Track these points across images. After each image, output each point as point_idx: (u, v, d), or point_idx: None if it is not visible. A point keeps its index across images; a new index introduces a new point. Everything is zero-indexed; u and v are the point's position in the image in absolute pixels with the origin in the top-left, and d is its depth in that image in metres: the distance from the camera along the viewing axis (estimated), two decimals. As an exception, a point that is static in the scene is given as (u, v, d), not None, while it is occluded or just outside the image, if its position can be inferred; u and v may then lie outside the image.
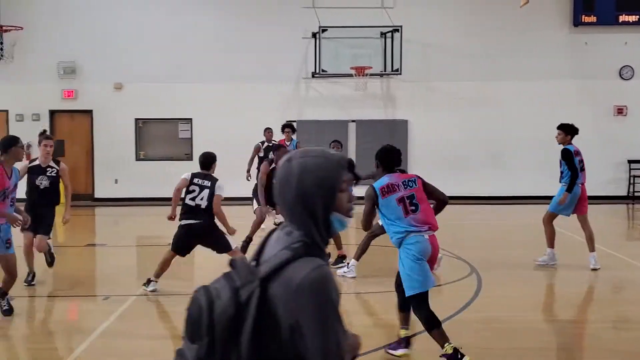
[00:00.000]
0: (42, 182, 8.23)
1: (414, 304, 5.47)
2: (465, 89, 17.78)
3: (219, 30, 17.66)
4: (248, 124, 16.55)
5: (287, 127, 14.17)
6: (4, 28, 12.28)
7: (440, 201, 5.83)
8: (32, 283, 8.39)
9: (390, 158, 5.76)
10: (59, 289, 8.69)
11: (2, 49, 12.36)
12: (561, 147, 9.42)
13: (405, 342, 5.84)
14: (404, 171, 6.00)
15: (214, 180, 7.71)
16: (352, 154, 17.25)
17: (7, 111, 17.91)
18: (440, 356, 5.37)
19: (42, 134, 9.63)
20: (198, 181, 7.66)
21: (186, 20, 17.66)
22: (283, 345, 1.91)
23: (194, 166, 8.22)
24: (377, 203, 5.56)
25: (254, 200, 10.41)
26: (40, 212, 8.08)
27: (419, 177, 5.75)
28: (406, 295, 5.45)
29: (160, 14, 17.69)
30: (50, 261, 8.91)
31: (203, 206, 7.56)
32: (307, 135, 17.36)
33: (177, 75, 17.64)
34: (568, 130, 9.58)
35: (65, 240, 12.86)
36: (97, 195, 18.04)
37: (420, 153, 17.60)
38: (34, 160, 8.46)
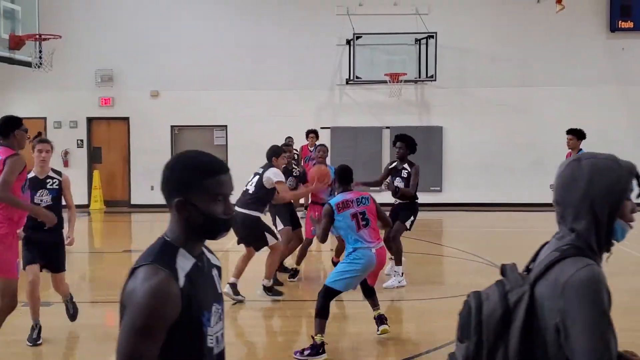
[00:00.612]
0: (43, 197, 6.33)
1: (324, 291, 5.99)
2: (501, 94, 17.65)
3: (253, 37, 17.77)
4: (281, 130, 16.63)
5: (312, 132, 14.23)
6: (43, 37, 12.51)
7: (387, 225, 6.77)
8: (39, 342, 6.38)
9: (346, 176, 6.38)
10: (97, 294, 8.78)
11: (40, 58, 12.61)
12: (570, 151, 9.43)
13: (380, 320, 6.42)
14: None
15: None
16: (385, 161, 17.19)
17: (45, 118, 18.22)
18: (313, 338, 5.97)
19: (37, 136, 7.54)
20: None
21: (222, 28, 17.81)
22: (548, 346, 1.92)
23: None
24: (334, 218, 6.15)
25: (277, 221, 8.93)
26: (44, 239, 6.27)
27: (371, 197, 6.35)
28: (326, 282, 6.05)
29: (196, 22, 17.87)
30: (73, 313, 6.89)
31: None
32: (341, 142, 17.37)
33: (213, 82, 17.78)
34: (579, 136, 9.60)
35: (101, 246, 13.02)
36: (133, 201, 18.24)
37: (455, 159, 17.48)
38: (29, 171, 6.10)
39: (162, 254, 2.08)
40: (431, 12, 17.48)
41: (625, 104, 17.49)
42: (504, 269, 2.09)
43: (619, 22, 17.43)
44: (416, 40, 17.41)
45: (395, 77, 16.80)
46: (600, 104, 17.42)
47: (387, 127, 17.75)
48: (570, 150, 9.43)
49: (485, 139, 17.59)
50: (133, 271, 2.07)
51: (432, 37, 17.02)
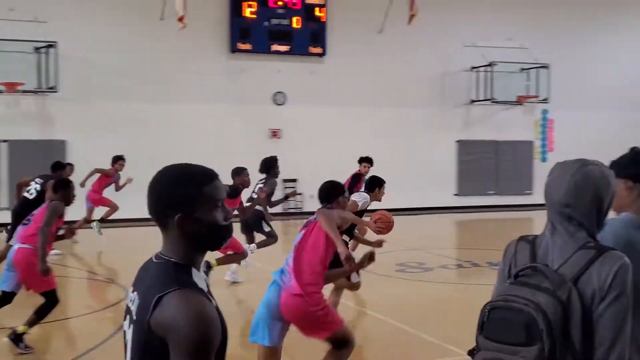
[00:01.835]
0: None
1: None
2: (128, 108, 17.42)
3: None
4: None
5: None
6: None
7: None
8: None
9: None
10: None
11: None
12: None
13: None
14: None
15: None
16: (3, 181, 15.79)
17: None
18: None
19: None
20: None
21: None
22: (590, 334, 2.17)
23: None
24: None
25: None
26: None
27: None
28: None
29: None
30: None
31: None
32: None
33: None
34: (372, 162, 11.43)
35: None
36: None
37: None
38: None
39: (181, 277, 1.92)
40: (51, 21, 16.53)
41: (246, 122, 18.60)
42: (539, 269, 2.22)
43: (239, 44, 18.49)
44: (35, 48, 16.33)
45: (11, 87, 15.52)
46: (223, 121, 18.25)
47: (5, 141, 16.33)
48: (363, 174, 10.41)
49: (111, 153, 17.16)
50: (158, 301, 1.85)
51: (53, 46, 16.15)
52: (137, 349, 1.90)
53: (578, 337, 2.15)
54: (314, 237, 5.06)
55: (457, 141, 20.47)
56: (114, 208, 13.85)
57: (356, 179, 11.53)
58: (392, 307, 8.76)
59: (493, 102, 20.26)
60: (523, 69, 20.55)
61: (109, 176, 13.71)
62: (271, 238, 10.06)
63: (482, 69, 20.27)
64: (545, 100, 20.53)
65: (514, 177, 20.99)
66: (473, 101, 20.58)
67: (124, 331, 2.02)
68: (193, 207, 1.95)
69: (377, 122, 19.44)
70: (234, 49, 18.53)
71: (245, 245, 9.71)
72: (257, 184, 10.16)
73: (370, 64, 19.38)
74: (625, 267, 2.17)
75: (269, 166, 10.18)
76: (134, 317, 1.93)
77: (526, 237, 2.39)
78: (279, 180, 10.90)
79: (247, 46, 18.57)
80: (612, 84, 21.66)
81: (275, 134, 18.99)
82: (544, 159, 21.14)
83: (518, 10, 20.83)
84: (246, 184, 9.33)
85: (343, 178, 11.73)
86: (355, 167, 11.93)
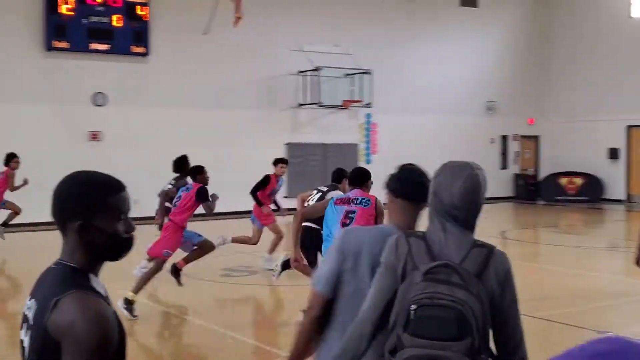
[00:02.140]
0: None
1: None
2: None
3: None
4: None
5: None
6: None
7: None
8: None
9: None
10: None
11: None
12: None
13: None
14: None
15: None
16: None
17: None
18: None
19: None
20: None
21: None
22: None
23: None
24: None
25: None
26: None
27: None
28: None
29: None
30: None
31: None
32: None
33: None
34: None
35: None
36: None
37: None
38: None
39: (78, 281, 1.93)
40: None
41: (63, 123, 17.55)
42: (452, 266, 2.32)
43: (55, 42, 17.41)
44: None
45: None
46: (38, 122, 17.12)
47: None
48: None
49: None
50: (55, 304, 1.84)
51: None
52: (33, 353, 1.88)
53: (490, 329, 2.38)
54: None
55: (286, 144, 20.58)
56: (17, 211, 13.51)
57: (266, 180, 11.35)
58: (214, 310, 8.56)
59: (320, 105, 20.58)
60: (348, 74, 21.05)
61: (9, 176, 13.18)
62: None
63: (309, 73, 20.52)
64: (368, 105, 21.15)
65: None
66: (301, 104, 20.79)
67: (21, 340, 1.98)
68: (94, 216, 1.96)
69: (202, 124, 19.09)
70: (49, 47, 17.40)
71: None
72: (168, 183, 10.63)
73: (196, 66, 19.00)
74: (511, 265, 2.47)
75: (181, 165, 10.55)
76: (31, 323, 1.92)
77: (413, 233, 2.52)
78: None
79: (64, 44, 17.51)
80: (430, 88, 22.78)
81: (95, 136, 18.05)
82: (368, 161, 21.77)
83: (343, 17, 21.34)
84: (207, 181, 9.16)
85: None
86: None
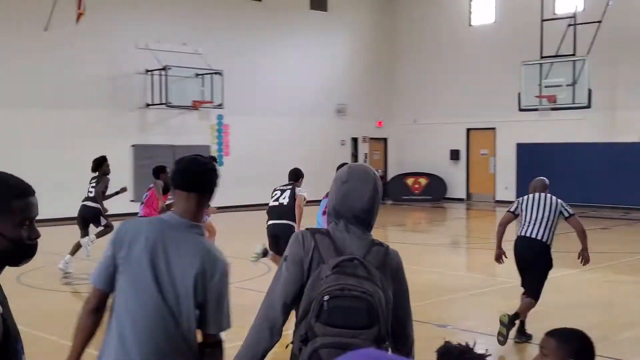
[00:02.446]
0: None
1: None
2: None
3: None
4: None
5: None
6: None
7: None
8: None
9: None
10: None
11: None
12: None
13: None
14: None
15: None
16: None
17: None
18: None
19: None
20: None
21: None
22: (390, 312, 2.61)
23: None
24: None
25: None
26: None
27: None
28: None
29: None
30: None
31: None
32: None
33: None
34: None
35: None
36: None
37: None
38: None
39: None
40: None
41: None
42: (359, 260, 2.51)
43: None
44: None
45: None
46: None
47: None
48: None
49: None
50: None
51: None
52: None
53: (390, 317, 2.59)
54: None
55: (133, 145, 19.88)
56: None
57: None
58: (53, 321, 8.05)
59: (168, 106, 20.05)
60: (198, 74, 20.67)
61: None
62: (108, 228, 10.88)
63: (156, 72, 19.94)
64: (220, 106, 20.87)
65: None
66: (148, 105, 20.16)
67: None
68: None
69: (44, 124, 18.04)
70: None
71: (83, 240, 10.94)
72: (90, 182, 11.35)
73: (36, 63, 17.93)
74: (402, 261, 2.73)
75: (99, 165, 11.35)
76: None
77: (318, 230, 2.69)
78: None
79: None
80: (282, 90, 22.88)
81: None
82: (220, 163, 21.46)
83: (192, 16, 20.95)
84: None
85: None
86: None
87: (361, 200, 2.67)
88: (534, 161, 22.30)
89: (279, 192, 8.78)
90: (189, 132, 20.89)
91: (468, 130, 24.75)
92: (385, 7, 26.34)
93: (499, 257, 7.36)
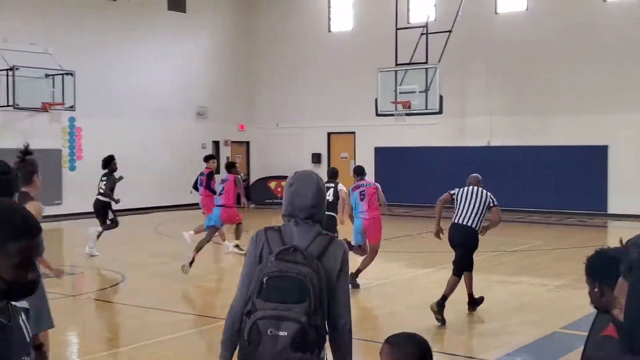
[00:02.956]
0: None
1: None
2: None
3: None
4: None
5: None
6: None
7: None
8: None
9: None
10: None
11: None
12: None
13: None
14: None
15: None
16: None
17: None
18: None
19: None
20: None
21: None
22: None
23: None
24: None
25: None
26: None
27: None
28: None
29: None
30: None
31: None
32: None
33: None
34: None
35: None
36: None
37: None
38: None
39: None
40: None
41: None
42: (298, 249, 3.06)
43: None
44: None
45: None
46: None
47: None
48: None
49: None
50: None
51: None
52: None
53: (326, 297, 3.07)
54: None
55: (-24, 150, 18.62)
56: None
57: (211, 175, 14.48)
58: None
59: (16, 108, 18.94)
60: (48, 75, 19.68)
61: None
62: (114, 224, 13.18)
63: (3, 72, 18.78)
64: (71, 108, 19.96)
65: (43, 187, 19.90)
66: (-6, 106, 18.97)
67: None
68: None
69: None
70: None
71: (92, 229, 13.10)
72: (101, 179, 13.21)
73: None
74: (346, 250, 3.22)
75: (107, 163, 13.23)
76: None
77: (272, 227, 3.22)
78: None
79: None
80: (140, 92, 22.25)
81: None
82: (72, 168, 20.61)
83: (42, 15, 19.95)
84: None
85: None
86: None
87: (306, 199, 3.19)
88: (392, 164, 23.02)
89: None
90: (39, 135, 19.76)
91: (329, 134, 25.15)
92: (244, 10, 26.28)
93: (438, 233, 8.58)
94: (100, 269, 12.29)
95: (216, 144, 25.34)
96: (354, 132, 24.49)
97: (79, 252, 13.37)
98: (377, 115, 19.75)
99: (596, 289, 2.79)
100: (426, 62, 18.94)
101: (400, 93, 18.93)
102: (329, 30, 25.21)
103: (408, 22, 22.03)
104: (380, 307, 9.44)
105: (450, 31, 19.14)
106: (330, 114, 24.55)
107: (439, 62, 18.76)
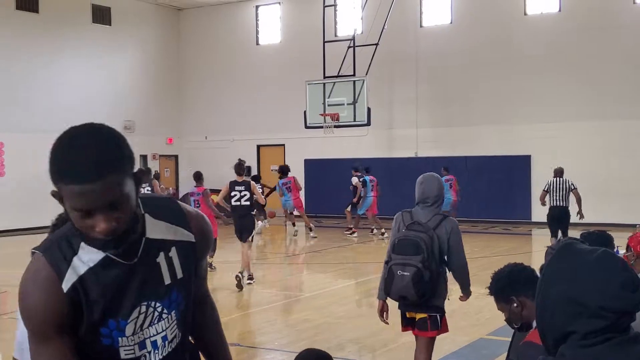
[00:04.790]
0: None
1: None
2: None
3: None
4: None
5: None
6: None
7: None
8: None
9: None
10: None
11: None
12: None
13: None
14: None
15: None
16: None
17: None
18: None
19: None
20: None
21: None
22: (443, 253, 5.15)
23: None
24: None
25: None
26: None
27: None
28: None
29: None
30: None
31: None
32: None
33: None
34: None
35: None
36: None
37: None
38: None
39: (57, 242, 1.81)
40: None
41: None
42: (419, 222, 5.09)
43: None
44: None
45: None
46: None
47: None
48: None
49: None
50: None
51: None
52: None
53: (437, 253, 5.01)
54: None
55: None
56: None
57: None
58: None
59: None
60: (-34, 89, 19.03)
61: None
62: None
63: None
64: (-8, 123, 19.36)
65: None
66: None
67: None
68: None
69: None
70: None
71: None
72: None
73: None
74: (456, 223, 5.20)
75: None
76: None
77: (406, 210, 5.24)
78: None
79: None
80: (64, 106, 21.71)
81: None
82: (-7, 185, 19.94)
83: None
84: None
85: None
86: None
87: (431, 190, 5.18)
88: (321, 176, 23.13)
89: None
90: (-43, 152, 19.15)
91: (258, 146, 25.11)
92: (171, 23, 26.05)
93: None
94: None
95: (144, 157, 24.95)
96: (283, 145, 24.51)
97: (1, 272, 12.92)
98: (306, 127, 19.84)
99: (515, 304, 2.89)
100: (354, 75, 19.17)
101: (329, 105, 19.10)
102: (257, 43, 25.23)
103: (335, 35, 22.26)
104: (309, 320, 9.47)
105: (377, 44, 19.43)
106: (260, 126, 24.52)
107: (366, 74, 19.01)
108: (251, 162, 25.17)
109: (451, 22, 22.02)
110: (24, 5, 21.00)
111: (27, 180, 20.42)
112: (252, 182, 11.71)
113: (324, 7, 20.53)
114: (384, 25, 19.76)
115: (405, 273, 4.85)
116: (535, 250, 15.40)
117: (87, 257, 1.78)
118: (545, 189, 13.45)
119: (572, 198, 13.28)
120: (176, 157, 26.38)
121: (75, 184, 1.67)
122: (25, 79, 20.75)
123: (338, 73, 19.45)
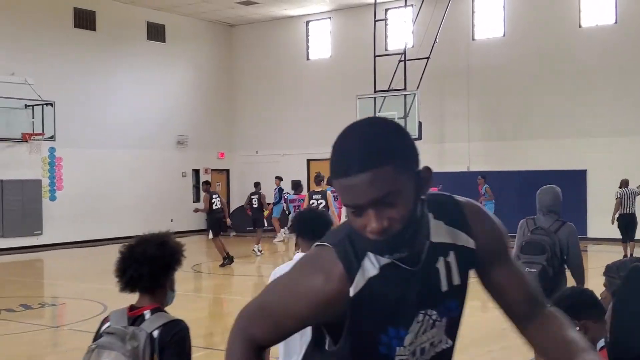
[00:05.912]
0: None
1: None
2: None
3: None
4: None
5: None
6: None
7: None
8: None
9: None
10: None
11: None
12: None
13: None
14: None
15: None
16: None
17: None
18: None
19: None
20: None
21: None
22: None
23: None
24: None
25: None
26: None
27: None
28: None
29: None
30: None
31: None
32: None
33: None
34: None
35: None
36: None
37: None
38: None
39: (348, 239, 1.71)
40: None
41: None
42: (542, 227, 5.75)
43: None
44: None
45: None
46: None
47: None
48: None
49: None
50: None
51: None
52: None
53: (559, 253, 5.67)
54: None
55: (-46, 181, 18.45)
56: None
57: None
58: None
59: (-5, 139, 18.87)
60: (27, 105, 19.62)
61: None
62: None
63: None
64: (51, 138, 19.90)
65: (21, 218, 19.76)
66: (-28, 138, 18.85)
67: None
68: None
69: None
70: None
71: None
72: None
73: None
74: (574, 228, 5.81)
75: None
76: None
77: (530, 217, 5.92)
78: None
79: None
80: (120, 121, 22.23)
81: None
82: (53, 198, 20.46)
83: (21, 45, 19.94)
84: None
85: None
86: None
87: (547, 199, 5.87)
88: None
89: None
90: (19, 166, 19.72)
91: (308, 161, 25.22)
92: (224, 39, 26.43)
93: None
94: (81, 299, 12.20)
95: (196, 172, 25.31)
96: (334, 159, 24.54)
97: (60, 284, 13.26)
98: (357, 141, 19.80)
99: (577, 328, 2.86)
100: (405, 89, 19.14)
101: (380, 120, 19.06)
102: (308, 58, 25.40)
103: (386, 49, 22.27)
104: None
105: (428, 58, 19.38)
106: (310, 140, 24.63)
107: (417, 88, 18.96)
108: (301, 176, 25.29)
109: (504, 35, 21.81)
110: (82, 24, 21.60)
111: (83, 194, 20.93)
112: (328, 192, 13.13)
113: (375, 21, 20.58)
114: (435, 39, 19.70)
115: (532, 270, 5.53)
116: (592, 267, 15.11)
117: (374, 260, 1.70)
118: (618, 197, 15.65)
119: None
120: (227, 171, 26.68)
121: (342, 177, 1.61)
122: (83, 96, 21.30)
123: (389, 87, 19.45)
